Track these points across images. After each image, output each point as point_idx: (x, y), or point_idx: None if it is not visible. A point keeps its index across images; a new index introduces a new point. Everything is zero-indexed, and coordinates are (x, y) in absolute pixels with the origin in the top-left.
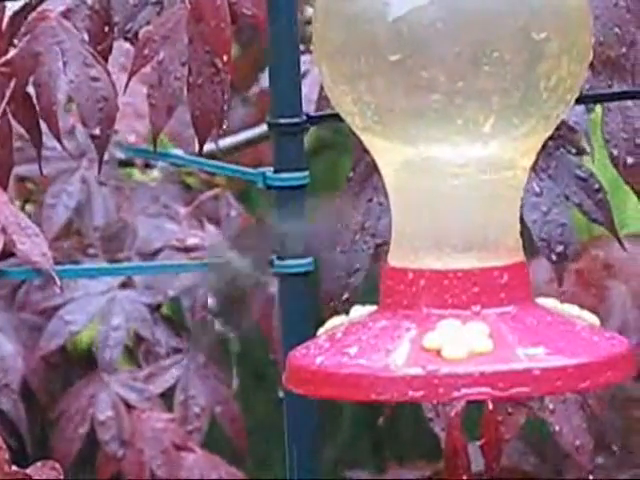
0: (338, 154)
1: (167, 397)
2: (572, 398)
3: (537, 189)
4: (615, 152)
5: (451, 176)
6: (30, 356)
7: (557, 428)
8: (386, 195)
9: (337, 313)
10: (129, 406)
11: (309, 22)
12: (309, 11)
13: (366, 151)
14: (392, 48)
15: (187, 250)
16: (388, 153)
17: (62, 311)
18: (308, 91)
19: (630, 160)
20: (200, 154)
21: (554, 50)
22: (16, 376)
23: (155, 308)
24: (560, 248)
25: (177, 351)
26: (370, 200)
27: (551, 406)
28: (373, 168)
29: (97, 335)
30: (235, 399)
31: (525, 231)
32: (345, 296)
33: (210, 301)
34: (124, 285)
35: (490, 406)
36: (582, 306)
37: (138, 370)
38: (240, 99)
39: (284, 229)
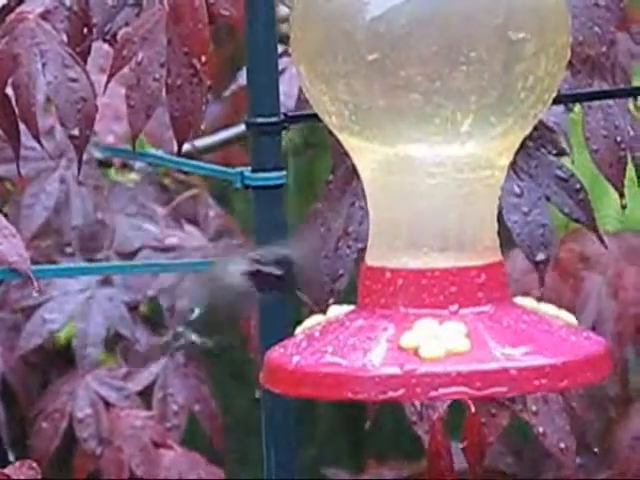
0: (316, 154)
1: (146, 396)
2: (554, 399)
3: (517, 190)
4: (596, 150)
5: (428, 175)
6: (9, 355)
7: (541, 430)
8: (364, 195)
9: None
10: (108, 404)
11: (284, 21)
12: (284, 10)
13: (345, 152)
14: (369, 48)
15: (166, 250)
16: (366, 152)
17: (41, 310)
18: (287, 88)
19: (611, 158)
20: (179, 154)
21: (531, 50)
22: None
23: (134, 307)
24: (542, 250)
25: (156, 350)
26: (352, 205)
27: (534, 408)
28: (353, 172)
29: (76, 333)
30: (214, 398)
31: (505, 232)
32: (330, 301)
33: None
34: (103, 284)
35: (472, 409)
36: (559, 297)
37: (117, 368)
38: (215, 98)
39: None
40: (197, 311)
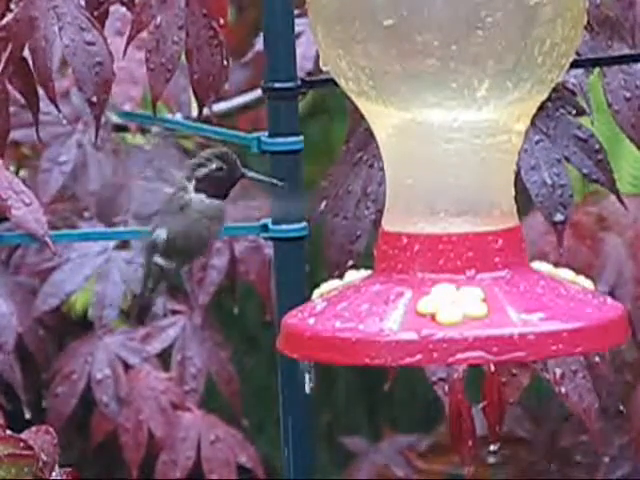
0: (332, 118)
1: (164, 359)
2: (576, 360)
3: (536, 150)
4: (617, 110)
5: (445, 140)
6: (26, 318)
7: (563, 390)
8: (382, 160)
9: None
10: (126, 365)
11: None
12: None
13: (362, 116)
14: (386, 13)
15: None
16: (382, 117)
17: (58, 272)
18: (304, 50)
19: (633, 118)
20: (200, 117)
21: (548, 14)
22: (10, 337)
23: None
24: (560, 210)
25: (174, 313)
26: (371, 166)
27: (558, 371)
28: (371, 134)
29: (94, 295)
30: (231, 362)
31: (523, 193)
32: (348, 263)
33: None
34: (120, 246)
35: (492, 369)
36: (578, 260)
37: (135, 330)
38: (236, 63)
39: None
40: (163, 236)
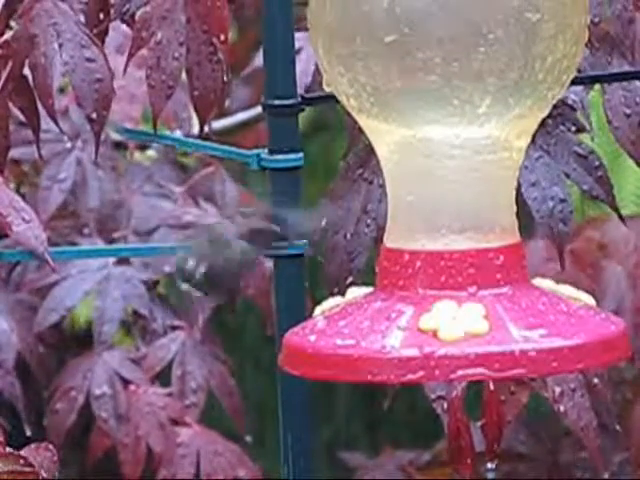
0: (333, 135)
1: (164, 375)
2: (574, 377)
3: (537, 167)
4: (617, 127)
5: (447, 157)
6: (26, 335)
7: (561, 408)
8: (383, 176)
9: (337, 295)
10: (125, 381)
11: (303, 3)
12: None
13: (361, 131)
14: (387, 29)
15: (183, 227)
16: (384, 134)
17: (58, 288)
18: (304, 66)
19: (633, 135)
20: (201, 134)
21: (549, 31)
22: (11, 354)
23: (152, 285)
24: (560, 226)
25: (173, 328)
26: (371, 182)
27: (555, 387)
28: (370, 150)
29: (93, 310)
30: (231, 376)
31: (524, 210)
32: (348, 280)
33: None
34: (120, 262)
35: (491, 387)
36: (577, 287)
37: (135, 349)
38: (237, 81)
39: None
40: (201, 271)
